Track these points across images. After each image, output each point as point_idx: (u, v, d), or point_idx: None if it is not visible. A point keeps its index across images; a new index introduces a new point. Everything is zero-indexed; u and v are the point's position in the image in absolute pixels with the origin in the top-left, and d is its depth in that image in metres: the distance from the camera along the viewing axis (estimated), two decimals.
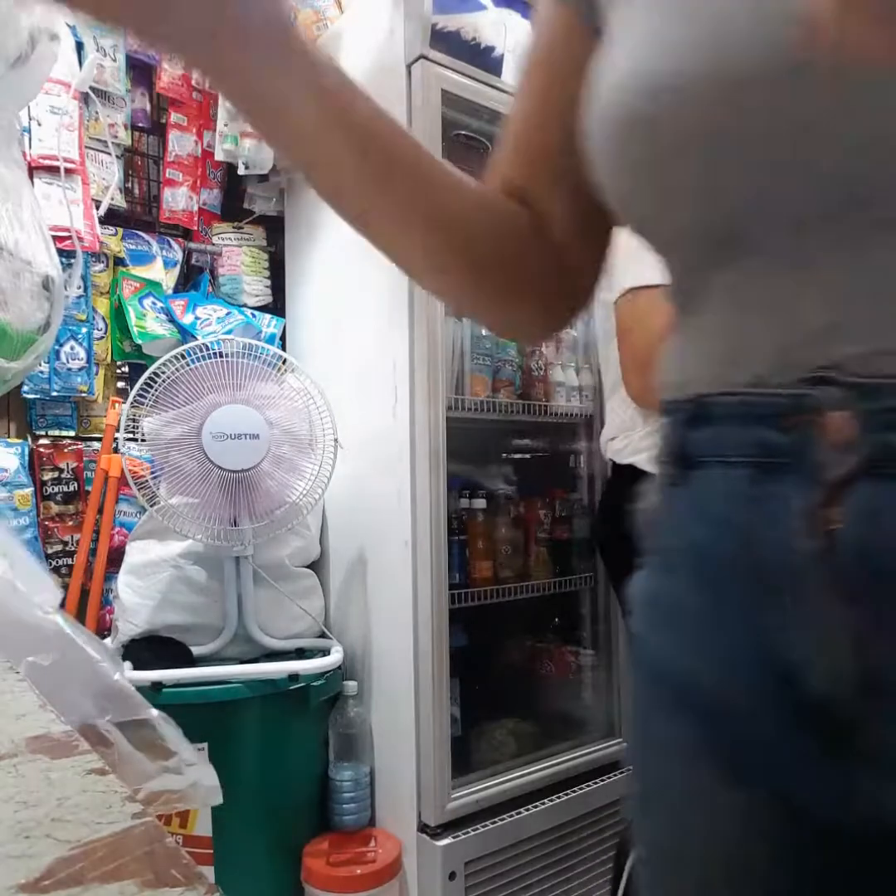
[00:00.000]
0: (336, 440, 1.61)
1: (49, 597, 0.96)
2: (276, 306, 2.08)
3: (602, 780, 1.76)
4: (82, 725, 0.87)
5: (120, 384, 1.88)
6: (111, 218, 1.85)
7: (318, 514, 1.82)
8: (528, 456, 2.09)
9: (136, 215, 1.93)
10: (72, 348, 1.74)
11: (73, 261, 1.67)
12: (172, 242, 1.96)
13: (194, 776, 0.95)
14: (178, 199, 1.96)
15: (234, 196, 2.07)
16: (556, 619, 2.02)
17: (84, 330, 1.77)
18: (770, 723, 0.37)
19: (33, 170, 1.64)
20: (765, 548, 0.37)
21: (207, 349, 1.55)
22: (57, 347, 1.71)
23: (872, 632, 0.34)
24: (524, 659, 2.02)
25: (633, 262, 1.12)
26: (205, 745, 1.42)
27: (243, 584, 1.60)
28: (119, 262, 1.87)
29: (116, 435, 1.59)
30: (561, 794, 1.68)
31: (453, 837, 1.50)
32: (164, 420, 1.51)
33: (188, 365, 1.52)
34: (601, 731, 1.85)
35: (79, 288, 1.75)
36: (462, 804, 1.53)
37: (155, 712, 0.97)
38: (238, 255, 2.04)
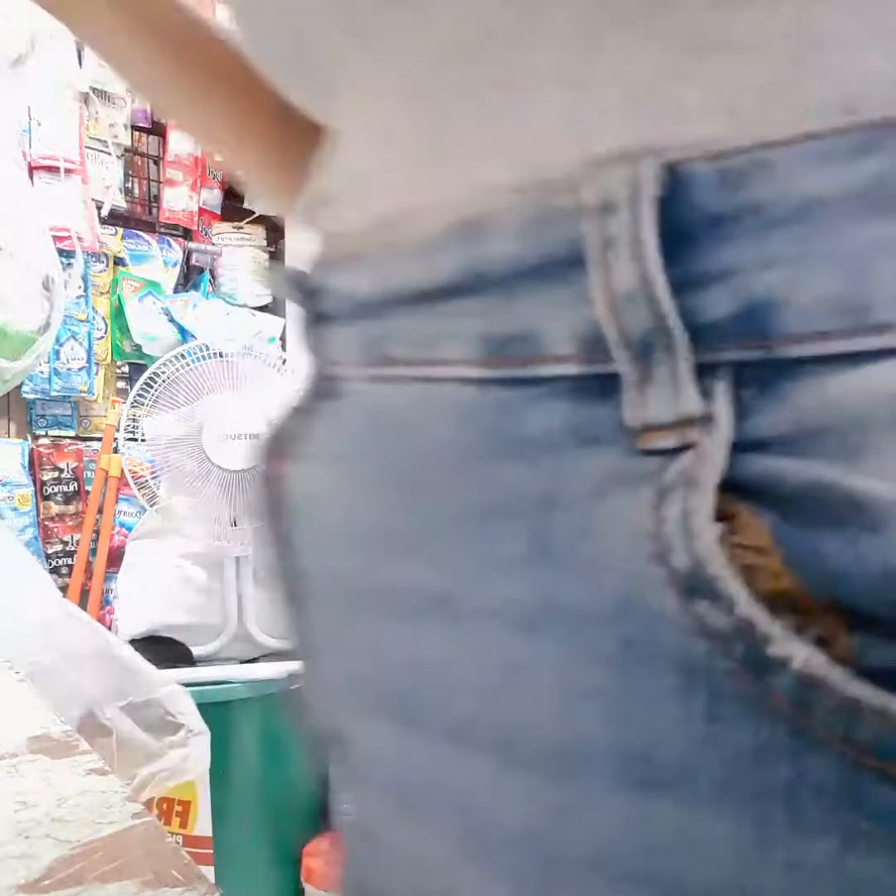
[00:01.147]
0: None
1: (52, 593, 0.97)
2: (276, 306, 2.08)
3: None
4: (84, 715, 0.88)
5: (120, 384, 1.88)
6: (111, 218, 1.85)
7: None
8: None
9: (136, 215, 1.93)
10: (72, 348, 1.74)
11: (72, 261, 1.67)
12: (172, 242, 1.96)
13: (193, 747, 0.96)
14: (178, 199, 1.96)
15: (234, 196, 2.07)
16: None
17: (84, 330, 1.77)
18: None
19: (33, 170, 1.64)
20: None
21: (207, 349, 1.55)
22: (57, 347, 1.71)
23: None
24: None
25: None
26: None
27: (243, 584, 1.60)
28: (119, 262, 1.87)
29: (116, 435, 1.59)
30: None
31: None
32: (164, 420, 1.51)
33: (188, 365, 1.52)
34: None
35: (79, 288, 1.76)
36: None
37: (172, 687, 0.98)
38: (238, 255, 2.04)
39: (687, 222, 0.18)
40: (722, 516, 0.17)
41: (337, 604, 0.24)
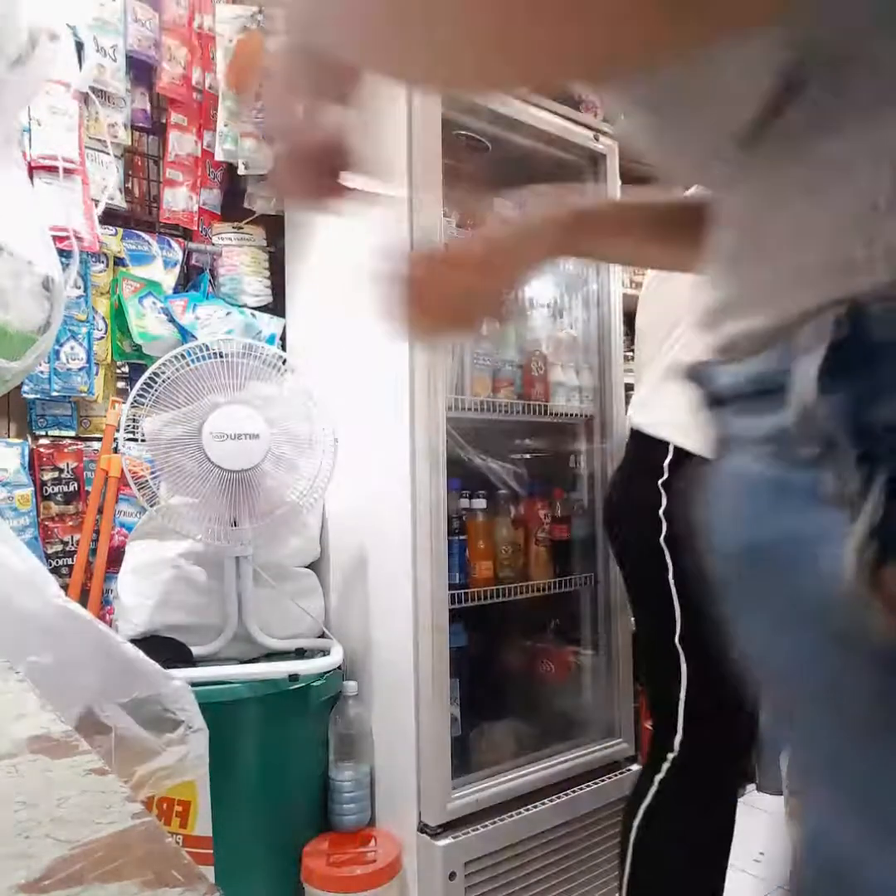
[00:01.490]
0: (336, 440, 1.61)
1: (55, 588, 0.97)
2: (276, 306, 2.08)
3: (602, 780, 1.76)
4: (83, 713, 0.87)
5: (120, 384, 1.88)
6: (111, 218, 1.84)
7: (318, 514, 1.82)
8: (527, 456, 2.09)
9: (136, 215, 1.93)
10: (72, 348, 1.74)
11: (71, 260, 1.66)
12: (172, 242, 1.96)
13: (191, 745, 0.96)
14: (178, 199, 1.96)
15: (234, 196, 2.07)
16: (556, 620, 2.02)
17: (84, 330, 1.77)
18: None
19: (33, 170, 1.64)
20: None
21: (207, 349, 1.55)
22: (57, 347, 1.71)
23: None
24: (524, 659, 2.02)
25: None
26: None
27: (243, 584, 1.60)
28: (119, 262, 1.87)
29: (116, 435, 1.59)
30: (561, 794, 1.68)
31: (453, 837, 1.50)
32: (164, 420, 1.51)
33: (188, 365, 1.52)
34: (601, 731, 1.85)
35: (78, 287, 1.75)
36: (462, 804, 1.52)
37: (176, 683, 0.98)
38: (238, 255, 2.04)
39: (864, 352, 0.27)
40: (879, 562, 0.27)
41: (730, 599, 0.40)
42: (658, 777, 1.24)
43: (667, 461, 1.27)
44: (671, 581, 1.23)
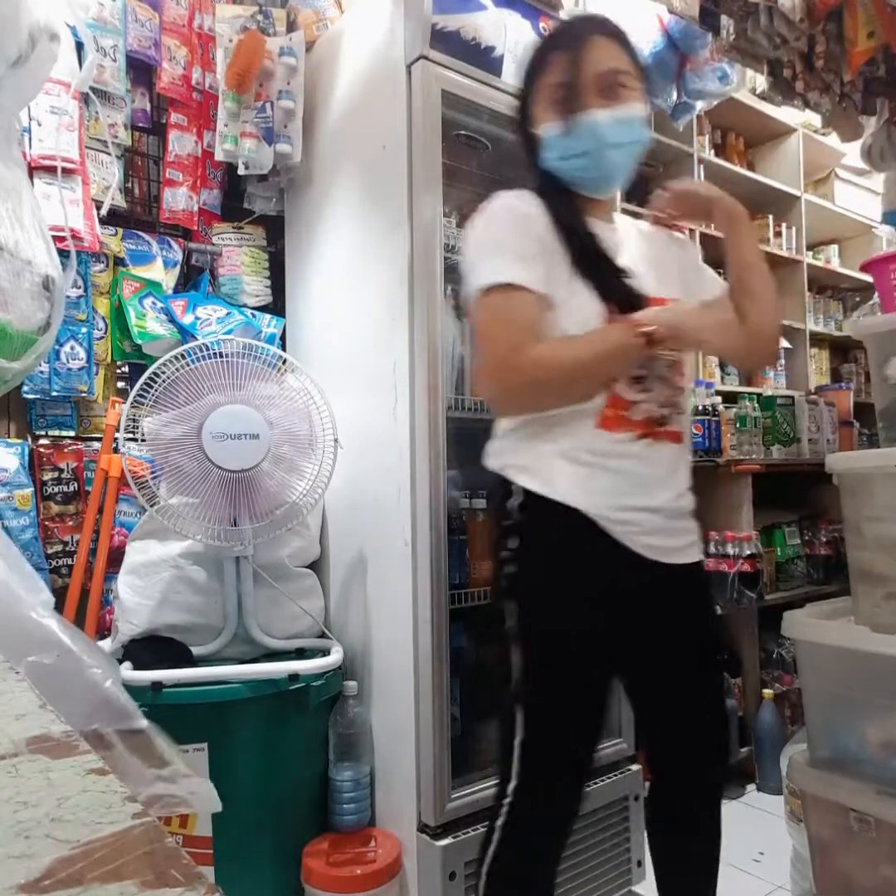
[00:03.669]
0: (336, 440, 1.61)
1: (44, 599, 0.96)
2: (276, 306, 2.08)
3: (602, 780, 1.76)
4: (83, 730, 0.87)
5: (120, 384, 1.88)
6: (111, 218, 1.84)
7: (318, 514, 1.82)
8: None
9: (136, 215, 1.93)
10: (72, 348, 1.74)
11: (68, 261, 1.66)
12: (172, 242, 1.96)
13: (192, 786, 0.95)
14: (178, 199, 1.96)
15: (234, 196, 2.07)
16: None
17: (84, 330, 1.77)
18: None
19: (33, 170, 1.64)
20: None
21: (207, 349, 1.55)
22: (57, 347, 1.71)
23: None
24: None
25: (484, 259, 1.06)
26: (205, 745, 1.42)
27: (243, 584, 1.60)
28: (119, 262, 1.87)
29: (116, 435, 1.59)
30: None
31: (453, 837, 1.50)
32: (164, 420, 1.51)
33: (188, 365, 1.52)
34: None
35: (78, 287, 1.75)
36: (462, 804, 1.52)
37: (145, 723, 0.97)
38: (238, 255, 2.04)
39: None
40: None
41: None
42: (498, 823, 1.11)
43: (514, 503, 1.12)
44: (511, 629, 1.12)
